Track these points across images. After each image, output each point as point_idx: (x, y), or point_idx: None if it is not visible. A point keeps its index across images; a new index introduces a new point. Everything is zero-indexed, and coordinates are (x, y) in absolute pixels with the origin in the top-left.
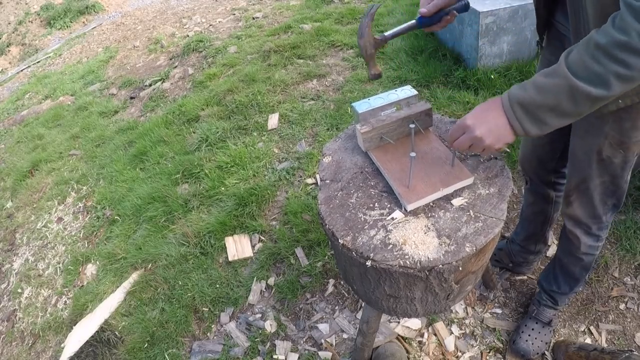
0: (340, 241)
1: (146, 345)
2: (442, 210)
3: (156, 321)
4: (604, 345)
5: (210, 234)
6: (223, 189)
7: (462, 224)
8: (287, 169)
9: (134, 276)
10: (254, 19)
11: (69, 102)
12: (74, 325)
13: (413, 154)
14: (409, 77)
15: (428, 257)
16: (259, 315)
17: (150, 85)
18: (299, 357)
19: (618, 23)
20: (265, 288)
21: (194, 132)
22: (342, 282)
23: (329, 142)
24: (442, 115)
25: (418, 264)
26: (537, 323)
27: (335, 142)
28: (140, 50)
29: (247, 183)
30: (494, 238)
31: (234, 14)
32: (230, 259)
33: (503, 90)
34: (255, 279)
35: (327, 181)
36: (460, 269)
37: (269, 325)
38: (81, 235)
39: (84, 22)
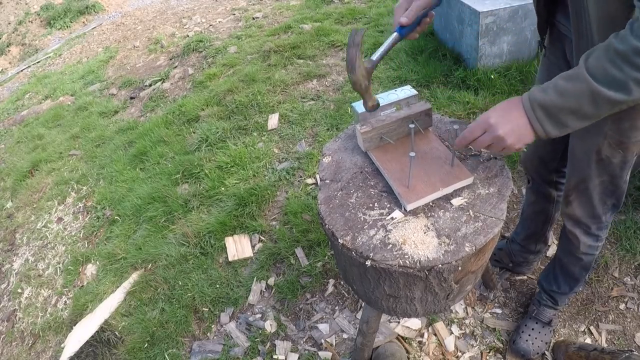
0: (340, 241)
1: (146, 345)
2: (442, 210)
3: (156, 321)
4: (604, 345)
5: (210, 234)
6: (223, 189)
7: (461, 223)
8: (287, 169)
9: (134, 276)
10: (254, 19)
11: (69, 102)
12: (74, 325)
13: (413, 154)
14: (409, 77)
15: (427, 257)
16: (259, 315)
17: (150, 85)
18: (299, 357)
19: (636, 30)
20: (265, 288)
21: (194, 132)
22: (342, 282)
23: (329, 142)
24: (442, 115)
25: (417, 263)
26: (537, 323)
27: (335, 142)
28: (140, 50)
29: (247, 183)
30: (494, 238)
31: (234, 14)
32: (230, 259)
33: (503, 91)
34: (255, 279)
35: (327, 181)
36: (460, 268)
37: (269, 325)
38: (81, 235)
39: (84, 22)
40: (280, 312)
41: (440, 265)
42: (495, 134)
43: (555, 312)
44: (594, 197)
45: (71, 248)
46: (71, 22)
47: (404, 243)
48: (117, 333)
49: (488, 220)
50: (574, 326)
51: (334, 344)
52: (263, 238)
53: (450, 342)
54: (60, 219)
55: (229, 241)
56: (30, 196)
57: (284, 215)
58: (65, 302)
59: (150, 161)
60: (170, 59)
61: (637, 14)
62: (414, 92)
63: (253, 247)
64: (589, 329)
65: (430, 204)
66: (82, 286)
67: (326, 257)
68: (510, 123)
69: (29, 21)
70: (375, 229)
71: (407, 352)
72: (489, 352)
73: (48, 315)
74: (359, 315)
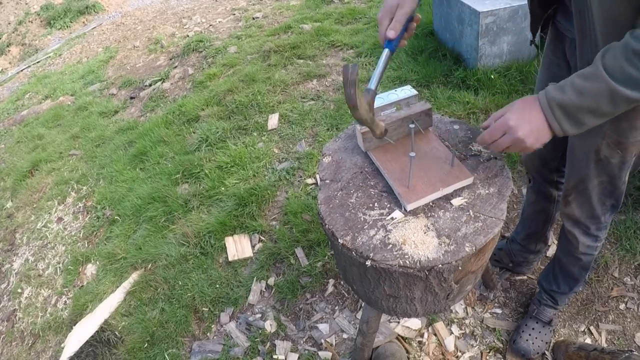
0: (340, 241)
1: (146, 345)
2: (442, 210)
3: (156, 321)
4: (604, 345)
5: (210, 234)
6: (223, 189)
7: (461, 223)
8: (287, 169)
9: (134, 276)
10: (254, 19)
11: (69, 102)
12: (74, 325)
13: (413, 154)
14: (409, 77)
15: (428, 257)
16: (259, 315)
17: (150, 85)
18: (299, 357)
19: None
20: (265, 288)
21: (194, 132)
22: (342, 282)
23: (329, 142)
24: (442, 115)
25: (418, 263)
26: (537, 322)
27: (335, 142)
28: (140, 50)
29: (247, 183)
30: (494, 238)
31: (234, 14)
32: (230, 259)
33: (503, 91)
34: (255, 279)
35: (327, 181)
36: (460, 268)
37: (269, 325)
38: (81, 235)
39: (84, 22)
40: (280, 312)
41: (440, 265)
42: (515, 136)
43: (555, 311)
44: (593, 198)
45: (71, 248)
46: (71, 22)
47: (404, 243)
48: (117, 333)
49: (488, 221)
50: (574, 326)
51: (334, 344)
52: (263, 238)
53: (450, 342)
54: (60, 219)
55: (229, 241)
56: (30, 196)
57: (284, 215)
58: (65, 302)
59: (150, 161)
60: (170, 59)
61: None
62: (414, 92)
63: (253, 247)
64: (589, 329)
65: (430, 204)
66: (82, 286)
67: (326, 257)
68: (529, 124)
69: (29, 21)
70: (375, 229)
71: (407, 352)
72: (489, 352)
73: (48, 315)
74: (359, 315)
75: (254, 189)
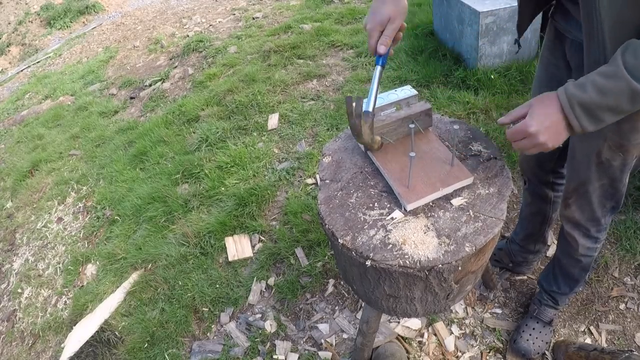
0: (340, 241)
1: (146, 345)
2: (442, 210)
3: (156, 321)
4: (604, 345)
5: (210, 234)
6: (223, 189)
7: (461, 223)
8: (287, 169)
9: (134, 276)
10: (254, 19)
11: (69, 102)
12: (74, 325)
13: (413, 154)
14: (409, 77)
15: (427, 257)
16: (259, 315)
17: (150, 85)
18: (299, 357)
19: None
20: (265, 288)
21: (194, 132)
22: (342, 282)
23: (329, 142)
24: (442, 115)
25: (417, 263)
26: (538, 322)
27: (335, 142)
28: (140, 50)
29: (247, 183)
30: (494, 238)
31: (234, 14)
32: (230, 259)
33: (503, 91)
34: (255, 279)
35: (327, 181)
36: (460, 268)
37: (269, 325)
38: (81, 235)
39: (84, 22)
40: (280, 312)
41: (440, 265)
42: (537, 141)
43: (556, 311)
44: (593, 201)
45: (71, 248)
46: (71, 22)
47: (404, 243)
48: (117, 333)
49: (488, 221)
50: (574, 326)
51: (334, 344)
52: (263, 238)
53: (450, 342)
54: (60, 219)
55: (229, 241)
56: (30, 196)
57: (284, 215)
58: (65, 302)
59: (150, 161)
60: (170, 59)
61: None
62: (414, 92)
63: (253, 247)
64: (589, 329)
65: (430, 204)
66: (82, 286)
67: (326, 257)
68: (550, 128)
69: (29, 21)
70: (375, 229)
71: (407, 352)
72: (489, 352)
73: (48, 315)
74: (359, 315)
75: (254, 189)
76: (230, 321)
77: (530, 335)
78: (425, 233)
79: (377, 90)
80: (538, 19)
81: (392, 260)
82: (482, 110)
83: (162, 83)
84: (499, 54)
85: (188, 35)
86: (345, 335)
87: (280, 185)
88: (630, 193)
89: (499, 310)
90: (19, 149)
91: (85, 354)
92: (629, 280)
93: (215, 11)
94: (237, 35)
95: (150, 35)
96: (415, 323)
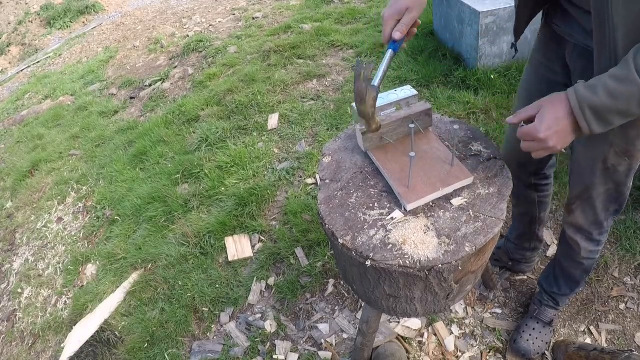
0: (340, 241)
1: (146, 345)
2: (442, 210)
3: (156, 321)
4: (604, 345)
5: (210, 234)
6: (223, 189)
7: (461, 223)
8: (287, 169)
9: (134, 276)
10: (254, 19)
11: (69, 102)
12: (74, 325)
13: (413, 154)
14: (409, 77)
15: (428, 257)
16: (259, 315)
17: (150, 85)
18: (299, 357)
19: None
20: (265, 288)
21: (194, 132)
22: (342, 282)
23: (329, 142)
24: (442, 115)
25: (418, 263)
26: (538, 323)
27: (335, 142)
28: (140, 50)
29: (247, 183)
30: (494, 238)
31: (234, 14)
32: (230, 259)
33: (503, 91)
34: (255, 279)
35: (327, 181)
36: (460, 268)
37: (269, 325)
38: (81, 235)
39: (84, 22)
40: (280, 312)
41: (440, 265)
42: (546, 145)
43: (556, 312)
44: (597, 205)
45: (71, 248)
46: (71, 22)
47: (404, 243)
48: (117, 333)
49: (488, 220)
50: (574, 326)
51: (334, 344)
52: (263, 238)
53: (450, 342)
54: (60, 219)
55: (229, 241)
56: (30, 196)
57: (284, 215)
58: (65, 302)
59: (150, 161)
60: (170, 59)
61: None
62: (414, 92)
63: (253, 247)
64: (589, 329)
65: (430, 204)
66: (82, 286)
67: (326, 257)
68: (559, 133)
69: (29, 21)
70: (375, 229)
71: (407, 352)
72: (489, 352)
73: (48, 315)
74: (359, 315)
75: (254, 189)
76: (230, 321)
77: (530, 335)
78: (425, 233)
79: (385, 70)
80: (537, 19)
81: (392, 260)
82: (482, 110)
83: (162, 83)
84: (499, 54)
85: (188, 35)
86: (345, 335)
87: (280, 185)
88: (630, 193)
89: (499, 310)
90: (19, 149)
91: (85, 354)
92: (629, 280)
93: (215, 11)
94: (237, 35)
95: (150, 35)
96: (415, 323)
